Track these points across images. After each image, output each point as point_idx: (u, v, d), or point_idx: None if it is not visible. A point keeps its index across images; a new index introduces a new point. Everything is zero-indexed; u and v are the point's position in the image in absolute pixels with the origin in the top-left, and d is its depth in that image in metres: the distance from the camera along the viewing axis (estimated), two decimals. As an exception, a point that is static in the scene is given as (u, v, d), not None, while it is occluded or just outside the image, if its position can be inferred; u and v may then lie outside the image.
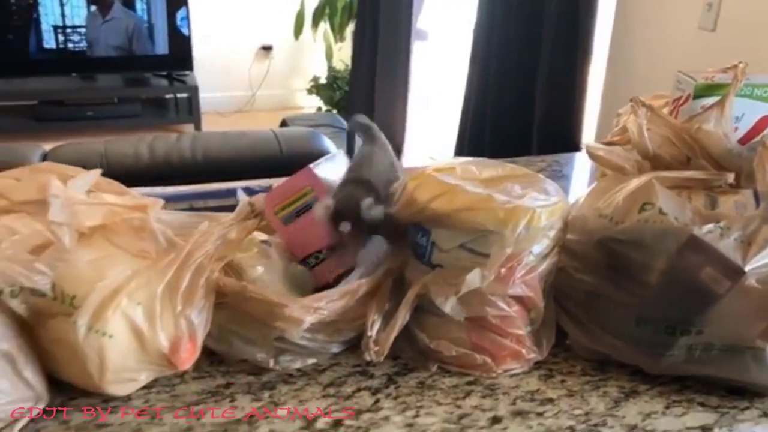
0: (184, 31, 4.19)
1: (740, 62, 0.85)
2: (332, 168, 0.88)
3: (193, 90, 4.23)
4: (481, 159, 0.84)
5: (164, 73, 4.32)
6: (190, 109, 4.22)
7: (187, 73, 4.32)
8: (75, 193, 0.72)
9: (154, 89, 4.37)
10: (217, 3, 4.41)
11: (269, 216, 0.85)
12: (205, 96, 4.26)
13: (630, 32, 2.35)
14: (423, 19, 3.56)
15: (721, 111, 0.81)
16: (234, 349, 0.78)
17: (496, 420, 0.72)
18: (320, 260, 0.85)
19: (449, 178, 0.77)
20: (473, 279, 0.72)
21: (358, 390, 0.76)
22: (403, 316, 0.76)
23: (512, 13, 2.71)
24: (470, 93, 2.99)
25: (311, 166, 0.85)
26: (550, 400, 0.75)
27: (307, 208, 0.84)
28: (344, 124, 3.01)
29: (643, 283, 0.76)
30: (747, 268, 0.70)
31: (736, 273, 0.70)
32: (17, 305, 0.67)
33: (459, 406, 0.74)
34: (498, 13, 2.78)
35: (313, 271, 0.85)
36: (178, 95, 4.35)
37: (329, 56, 4.35)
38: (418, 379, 0.78)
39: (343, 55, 4.39)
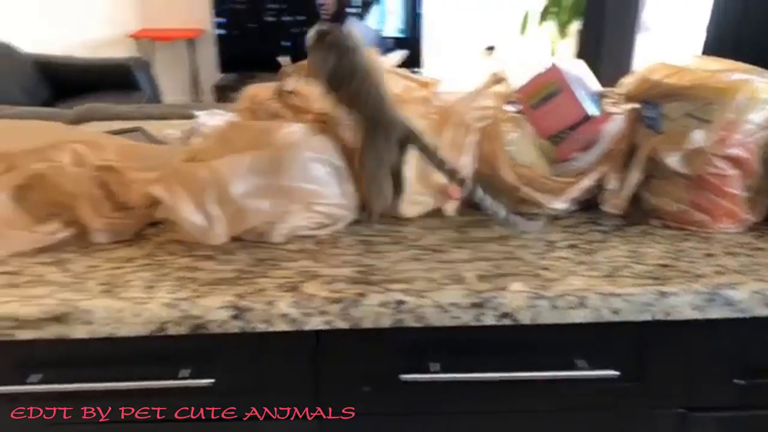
0: (416, 33, 4.60)
1: None
2: (575, 68, 1.07)
3: (422, 85, 4.62)
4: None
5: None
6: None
7: (416, 70, 4.74)
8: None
9: (387, 84, 4.81)
10: (446, 6, 4.77)
11: (522, 104, 1.07)
12: (431, 91, 4.63)
13: None
14: (648, 11, 3.59)
15: None
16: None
17: (709, 255, 0.86)
18: (562, 139, 1.04)
19: (682, 63, 0.93)
20: (697, 137, 0.87)
21: (590, 231, 0.95)
22: (635, 174, 0.93)
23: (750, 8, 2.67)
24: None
25: (555, 62, 1.05)
26: (761, 249, 0.88)
27: (552, 95, 1.04)
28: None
29: None
30: None
31: None
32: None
33: (677, 246, 0.89)
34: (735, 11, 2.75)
35: (557, 147, 1.04)
36: (408, 90, 4.76)
37: (553, 53, 4.50)
38: (642, 228, 0.95)
39: (568, 52, 4.52)
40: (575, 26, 4.31)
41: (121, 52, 4.57)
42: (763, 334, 0.83)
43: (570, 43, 4.44)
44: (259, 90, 1.21)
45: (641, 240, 0.91)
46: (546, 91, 1.05)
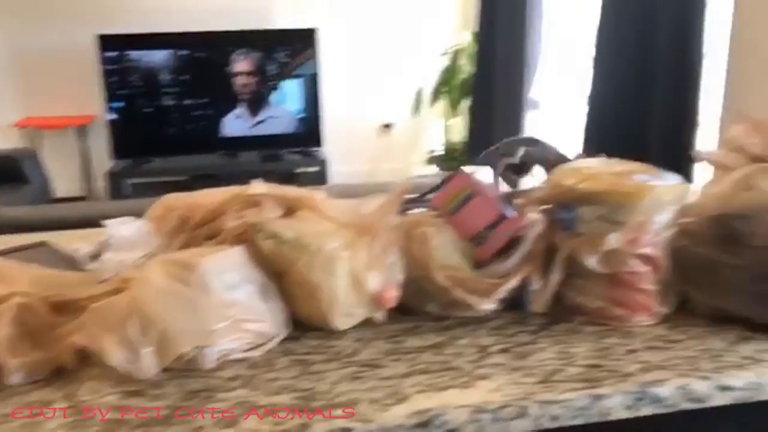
0: (316, 112, 4.69)
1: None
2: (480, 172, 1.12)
3: (323, 163, 4.67)
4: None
5: (297, 149, 4.81)
6: (322, 182, 4.63)
7: (317, 149, 4.79)
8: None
9: (288, 164, 4.83)
10: (344, 85, 4.90)
11: (440, 212, 1.10)
12: (333, 169, 4.70)
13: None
14: (535, 90, 3.83)
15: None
16: (419, 303, 1.02)
17: (632, 351, 0.91)
18: (483, 240, 1.08)
19: (590, 168, 0.99)
20: (613, 240, 0.93)
21: (519, 332, 0.97)
22: (556, 274, 0.97)
23: (627, 79, 2.90)
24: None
25: (464, 170, 1.10)
26: (677, 341, 0.93)
27: (467, 199, 1.08)
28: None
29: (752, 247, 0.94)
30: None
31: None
32: (268, 245, 0.94)
33: (601, 342, 0.93)
34: (613, 84, 2.98)
35: (476, 249, 1.08)
36: (309, 169, 4.80)
37: (447, 130, 4.69)
38: (567, 327, 0.98)
39: (459, 128, 4.72)
40: (466, 104, 4.53)
41: (4, 143, 4.36)
42: (691, 428, 0.87)
43: (461, 119, 4.66)
44: (176, 201, 1.19)
45: (568, 339, 0.94)
46: (461, 196, 1.09)
